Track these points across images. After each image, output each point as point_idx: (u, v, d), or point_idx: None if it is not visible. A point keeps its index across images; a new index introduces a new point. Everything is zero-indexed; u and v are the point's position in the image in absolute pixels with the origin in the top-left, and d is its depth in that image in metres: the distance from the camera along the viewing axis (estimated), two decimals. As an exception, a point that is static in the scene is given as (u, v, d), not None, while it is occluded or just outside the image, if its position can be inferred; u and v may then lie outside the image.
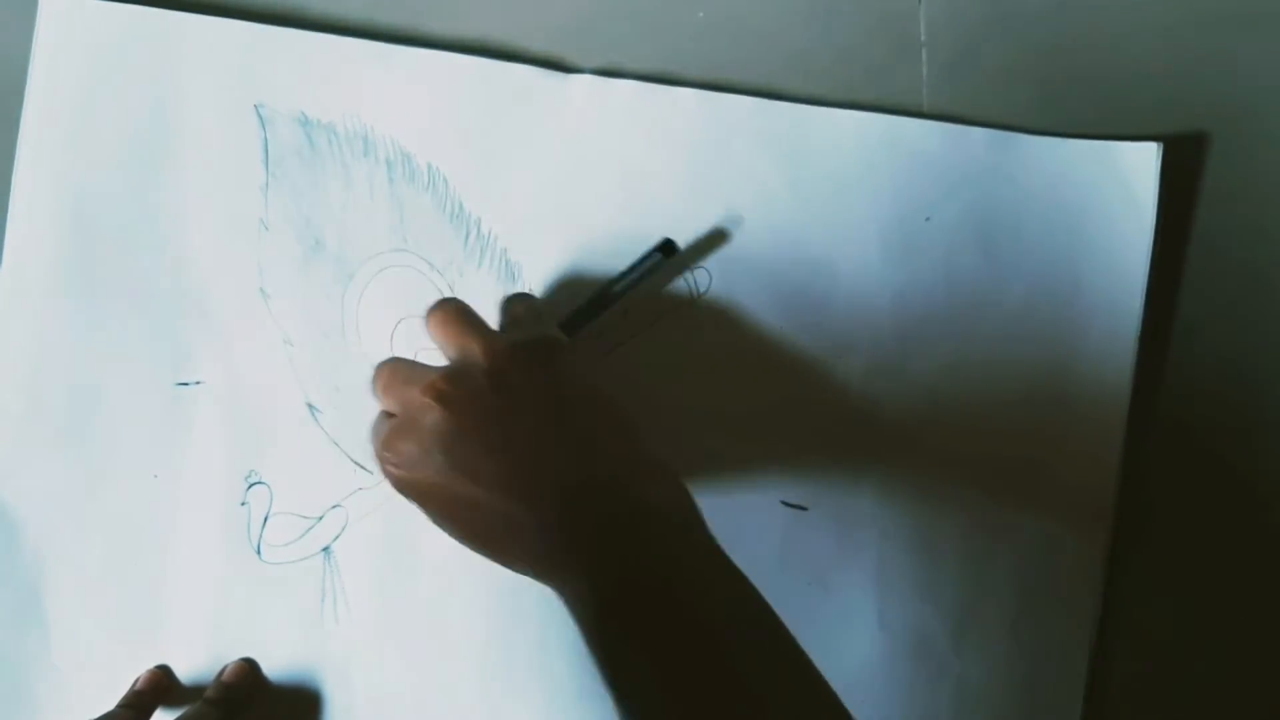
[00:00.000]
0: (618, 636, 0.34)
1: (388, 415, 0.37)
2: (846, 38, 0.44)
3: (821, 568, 0.46)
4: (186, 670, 0.45)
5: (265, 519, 0.44)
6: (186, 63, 0.43)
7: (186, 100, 0.43)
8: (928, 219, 0.45)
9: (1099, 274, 0.45)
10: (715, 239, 0.44)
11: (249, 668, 0.45)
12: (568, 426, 0.36)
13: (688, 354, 0.45)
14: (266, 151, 0.43)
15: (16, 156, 0.42)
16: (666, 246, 0.43)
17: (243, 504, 0.44)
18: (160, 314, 0.44)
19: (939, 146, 0.44)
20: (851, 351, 0.45)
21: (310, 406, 0.44)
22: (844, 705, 0.34)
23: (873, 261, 0.45)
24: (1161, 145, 0.44)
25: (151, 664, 0.44)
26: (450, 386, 0.35)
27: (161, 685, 0.44)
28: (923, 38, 0.44)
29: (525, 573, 0.36)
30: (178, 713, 0.43)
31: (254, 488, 0.44)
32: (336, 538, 0.45)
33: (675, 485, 0.37)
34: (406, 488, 0.36)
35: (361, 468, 0.45)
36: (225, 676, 0.44)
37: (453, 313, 0.38)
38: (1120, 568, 0.46)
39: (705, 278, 0.44)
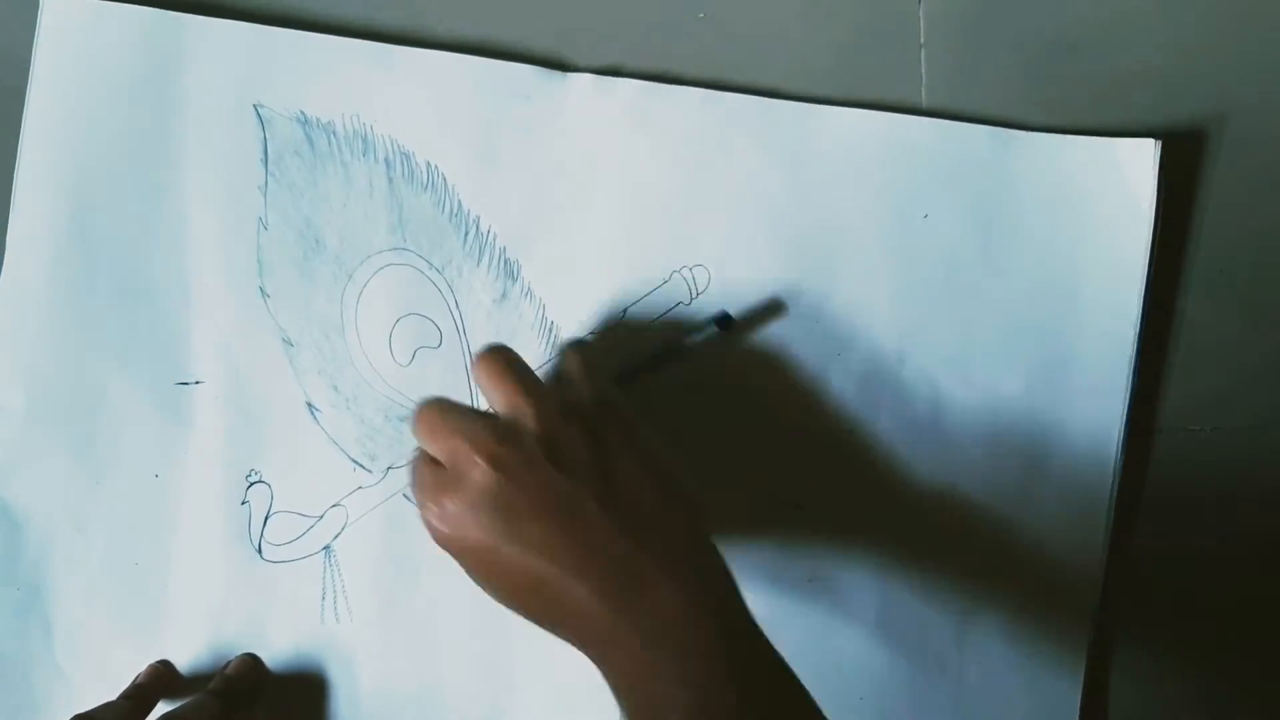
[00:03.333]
0: None
1: (429, 460, 0.36)
2: (846, 38, 0.44)
3: (821, 565, 0.46)
4: (188, 669, 0.45)
5: (266, 518, 0.45)
6: (187, 63, 0.43)
7: (186, 100, 0.43)
8: (926, 216, 0.45)
9: (1097, 271, 0.45)
10: (772, 309, 0.44)
11: (252, 662, 0.45)
12: (619, 499, 0.35)
13: (687, 352, 0.45)
14: (266, 151, 0.43)
15: (18, 156, 0.43)
16: (722, 320, 0.43)
17: (243, 503, 0.45)
18: (160, 313, 0.44)
19: (938, 144, 0.44)
20: (850, 348, 0.45)
21: (310, 405, 0.44)
22: None
23: (872, 259, 0.45)
24: (1160, 142, 0.44)
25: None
26: (502, 448, 0.34)
27: (163, 679, 0.44)
28: (922, 39, 0.44)
29: (563, 637, 0.35)
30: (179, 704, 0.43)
31: (254, 487, 0.45)
32: (337, 536, 0.45)
33: (720, 569, 0.37)
34: (448, 543, 0.35)
35: (361, 467, 0.45)
36: (229, 670, 0.44)
37: (503, 364, 0.37)
38: (1120, 566, 0.46)
39: (705, 276, 0.44)
